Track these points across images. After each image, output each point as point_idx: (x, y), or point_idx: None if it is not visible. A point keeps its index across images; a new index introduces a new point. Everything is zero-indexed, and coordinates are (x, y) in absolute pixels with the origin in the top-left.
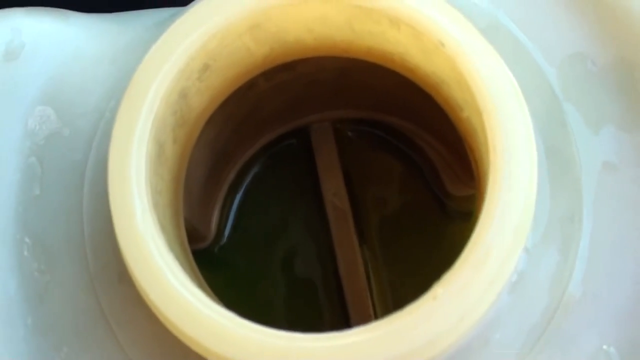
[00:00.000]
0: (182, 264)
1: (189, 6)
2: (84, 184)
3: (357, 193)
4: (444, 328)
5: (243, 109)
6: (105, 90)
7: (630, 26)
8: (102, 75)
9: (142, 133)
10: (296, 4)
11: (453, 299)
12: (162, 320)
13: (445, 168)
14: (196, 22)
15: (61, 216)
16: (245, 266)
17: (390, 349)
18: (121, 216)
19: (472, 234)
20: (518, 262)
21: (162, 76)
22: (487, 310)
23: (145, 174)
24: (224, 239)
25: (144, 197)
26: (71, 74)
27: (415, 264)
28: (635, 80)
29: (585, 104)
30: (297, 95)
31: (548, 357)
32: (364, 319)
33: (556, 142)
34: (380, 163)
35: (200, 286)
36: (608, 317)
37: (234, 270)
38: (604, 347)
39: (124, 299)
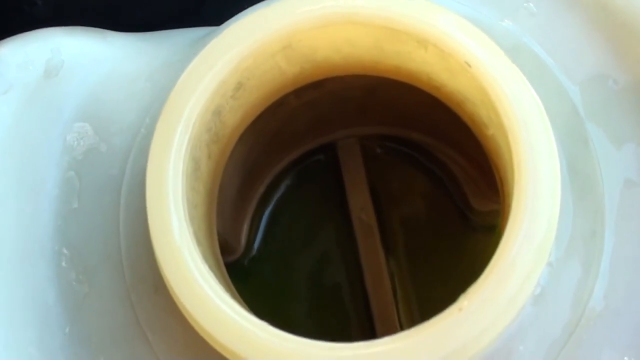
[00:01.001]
0: (216, 275)
1: (222, 26)
2: (120, 198)
3: (384, 207)
4: (468, 339)
5: (273, 126)
6: (140, 108)
7: None
8: (138, 93)
9: (178, 150)
10: (326, 26)
11: (478, 311)
12: (197, 330)
13: (469, 183)
14: (231, 43)
15: (98, 228)
16: (274, 278)
17: (417, 359)
18: (159, 229)
19: (497, 248)
20: (541, 275)
21: (197, 95)
22: (511, 322)
23: (182, 189)
24: (254, 252)
25: (180, 211)
26: (108, 92)
27: (440, 276)
28: None
29: (607, 122)
30: (325, 112)
31: None
32: (390, 331)
33: (579, 160)
34: (406, 178)
35: (234, 297)
36: (629, 332)
37: (263, 282)
38: None
39: (160, 309)
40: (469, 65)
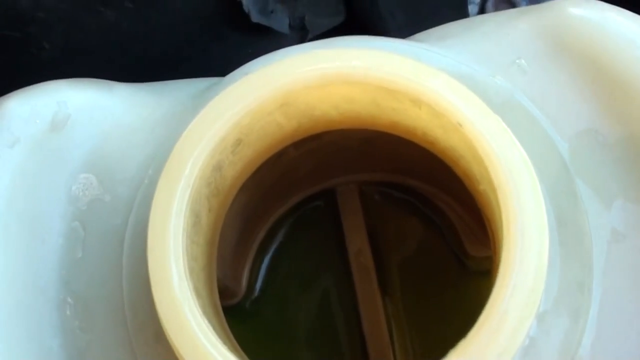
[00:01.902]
0: (214, 326)
1: (224, 80)
2: (124, 247)
3: (381, 251)
4: None
5: (273, 175)
6: (144, 158)
7: (637, 104)
8: (141, 144)
9: (179, 206)
10: (323, 86)
11: None
12: None
13: (465, 230)
14: (230, 102)
15: (102, 277)
16: (274, 320)
17: None
18: (159, 283)
19: (486, 304)
20: (530, 327)
21: (198, 152)
22: None
23: (182, 243)
24: (255, 294)
25: (180, 266)
26: (112, 143)
27: (436, 318)
28: None
29: (596, 177)
30: (324, 161)
31: None
32: None
33: (568, 214)
34: (403, 223)
35: (232, 347)
36: None
37: (263, 324)
38: None
39: (161, 358)
40: (460, 125)
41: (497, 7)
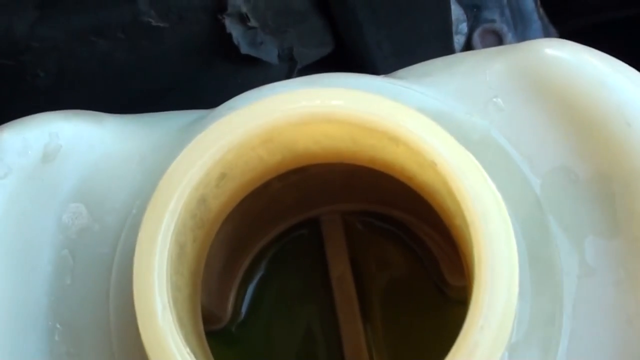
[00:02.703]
0: (196, 354)
1: (211, 114)
2: (111, 275)
3: (363, 279)
4: None
5: (258, 206)
6: (132, 189)
7: (609, 144)
8: (130, 175)
9: (164, 238)
10: (304, 124)
11: None
12: None
13: (445, 260)
14: (215, 138)
15: (90, 304)
16: (258, 345)
17: None
18: (144, 313)
19: (457, 337)
20: (502, 358)
21: (183, 186)
22: None
23: (166, 274)
24: (240, 320)
25: (164, 297)
26: (102, 173)
27: (416, 345)
28: (612, 192)
29: (568, 213)
30: (308, 192)
31: None
32: None
33: (539, 249)
34: (385, 252)
35: None
36: None
37: (248, 349)
38: None
39: None
40: (435, 164)
41: (484, 38)
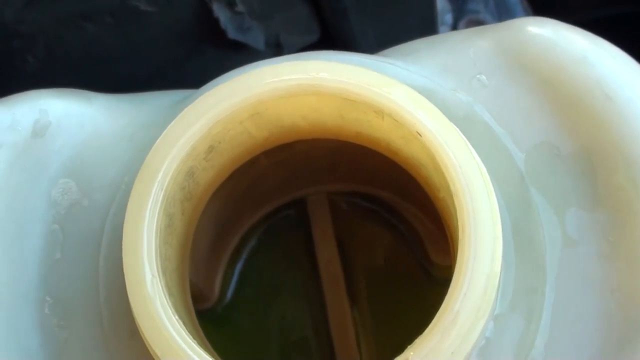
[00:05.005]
0: (186, 324)
1: (198, 91)
2: (101, 250)
3: (349, 259)
4: None
5: (245, 183)
6: (121, 166)
7: (590, 118)
8: (119, 152)
9: (153, 207)
10: (291, 97)
11: None
12: None
13: (430, 239)
14: (202, 111)
15: (79, 278)
16: (245, 325)
17: None
18: (133, 282)
19: (442, 304)
20: (486, 328)
21: (171, 158)
22: None
23: (155, 243)
24: (227, 300)
25: (153, 265)
26: (91, 150)
27: (402, 325)
28: (593, 165)
29: (550, 186)
30: (295, 170)
31: None
32: None
33: (523, 221)
34: (371, 232)
35: (203, 344)
36: None
37: (235, 329)
38: None
39: (135, 354)
40: (420, 135)
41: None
